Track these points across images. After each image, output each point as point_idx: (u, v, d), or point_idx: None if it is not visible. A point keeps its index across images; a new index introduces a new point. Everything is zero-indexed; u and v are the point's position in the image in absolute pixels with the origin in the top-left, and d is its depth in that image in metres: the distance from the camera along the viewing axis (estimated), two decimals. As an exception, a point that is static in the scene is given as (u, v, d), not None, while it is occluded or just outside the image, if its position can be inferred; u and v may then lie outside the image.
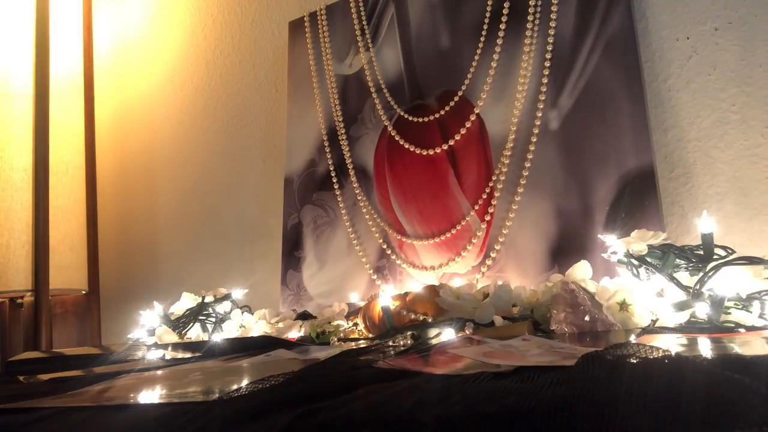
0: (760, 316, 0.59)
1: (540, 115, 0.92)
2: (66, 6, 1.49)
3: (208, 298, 1.01)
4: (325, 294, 1.09)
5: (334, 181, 1.12)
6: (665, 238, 0.71)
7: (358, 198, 1.08)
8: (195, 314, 0.98)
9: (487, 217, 0.95)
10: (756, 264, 0.62)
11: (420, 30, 1.07)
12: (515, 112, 0.94)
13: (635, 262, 0.69)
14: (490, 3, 0.99)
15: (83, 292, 1.48)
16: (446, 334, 0.69)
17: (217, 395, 0.43)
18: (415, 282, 0.99)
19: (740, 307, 0.60)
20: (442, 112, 1.02)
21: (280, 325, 0.92)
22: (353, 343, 0.77)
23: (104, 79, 1.63)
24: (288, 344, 0.77)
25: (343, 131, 1.13)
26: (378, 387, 0.39)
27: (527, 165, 0.92)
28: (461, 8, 1.03)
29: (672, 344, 0.50)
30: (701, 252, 0.66)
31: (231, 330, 0.97)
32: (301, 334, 0.92)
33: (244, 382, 0.44)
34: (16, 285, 1.30)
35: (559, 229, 0.88)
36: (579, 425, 0.27)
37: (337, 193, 1.11)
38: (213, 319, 0.98)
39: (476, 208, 0.96)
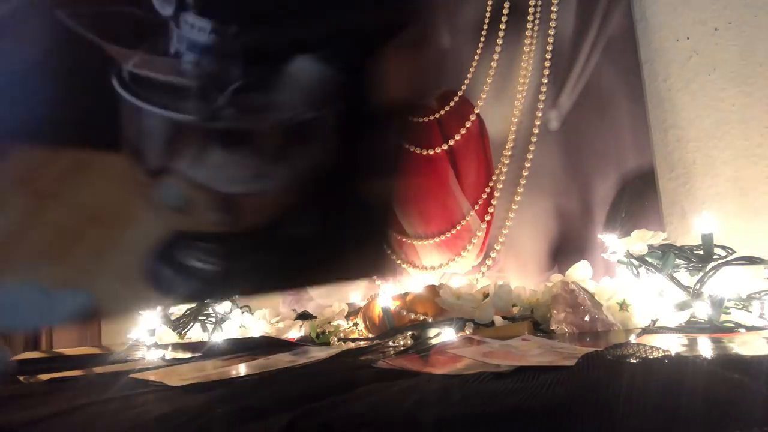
0: (760, 316, 0.59)
1: (540, 115, 0.92)
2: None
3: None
4: (325, 294, 1.09)
5: (334, 181, 1.12)
6: (665, 238, 0.71)
7: (358, 198, 1.08)
8: (195, 314, 0.98)
9: (487, 217, 0.94)
10: (756, 264, 0.62)
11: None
12: (515, 112, 0.94)
13: (635, 262, 0.69)
14: (490, 3, 0.99)
15: (83, 292, 1.48)
16: (446, 334, 0.69)
17: (218, 395, 0.43)
18: (415, 282, 0.99)
19: (740, 307, 0.60)
20: (442, 112, 1.02)
21: (280, 325, 0.92)
22: (353, 343, 0.77)
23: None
24: (288, 344, 0.77)
25: (343, 131, 1.13)
26: (378, 387, 0.39)
27: (527, 165, 0.92)
28: (461, 8, 1.03)
29: (672, 344, 0.50)
30: (701, 252, 0.66)
31: (231, 330, 0.97)
32: (301, 334, 0.92)
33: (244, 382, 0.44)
34: (16, 285, 1.30)
35: (559, 229, 0.88)
36: (579, 425, 0.27)
37: (337, 193, 1.11)
38: (213, 319, 0.98)
39: (476, 208, 0.96)
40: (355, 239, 0.38)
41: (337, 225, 0.37)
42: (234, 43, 0.30)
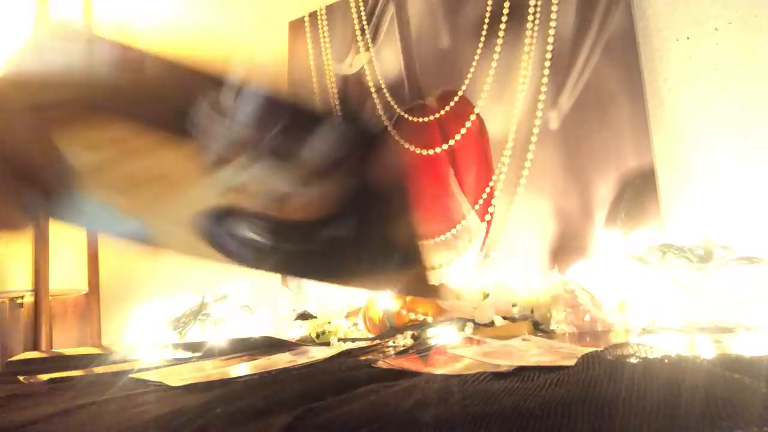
0: (760, 316, 0.59)
1: (540, 115, 0.92)
2: (66, 5, 1.49)
3: (208, 298, 1.01)
4: (325, 294, 1.09)
5: (334, 181, 1.12)
6: (665, 238, 0.71)
7: (358, 198, 1.08)
8: (195, 314, 0.98)
9: (487, 217, 0.94)
10: (756, 264, 0.62)
11: (420, 30, 1.07)
12: (515, 112, 0.94)
13: (635, 262, 0.69)
14: (490, 3, 0.99)
15: (83, 292, 1.48)
16: (446, 334, 0.69)
17: (218, 395, 0.43)
18: (415, 282, 0.99)
19: (739, 306, 0.60)
20: (442, 112, 1.02)
21: (280, 324, 0.92)
22: (353, 343, 0.77)
23: (104, 79, 1.62)
24: (288, 344, 0.77)
25: (343, 131, 1.13)
26: (378, 387, 0.39)
27: (527, 165, 0.92)
28: (461, 8, 1.03)
29: (672, 344, 0.50)
30: (701, 252, 0.66)
31: (231, 330, 0.97)
32: (301, 334, 0.92)
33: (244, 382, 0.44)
34: (16, 285, 1.30)
35: (559, 228, 0.88)
36: (579, 425, 0.27)
37: (337, 193, 1.11)
38: (213, 319, 0.98)
39: (476, 208, 0.96)
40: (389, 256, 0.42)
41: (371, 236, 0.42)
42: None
